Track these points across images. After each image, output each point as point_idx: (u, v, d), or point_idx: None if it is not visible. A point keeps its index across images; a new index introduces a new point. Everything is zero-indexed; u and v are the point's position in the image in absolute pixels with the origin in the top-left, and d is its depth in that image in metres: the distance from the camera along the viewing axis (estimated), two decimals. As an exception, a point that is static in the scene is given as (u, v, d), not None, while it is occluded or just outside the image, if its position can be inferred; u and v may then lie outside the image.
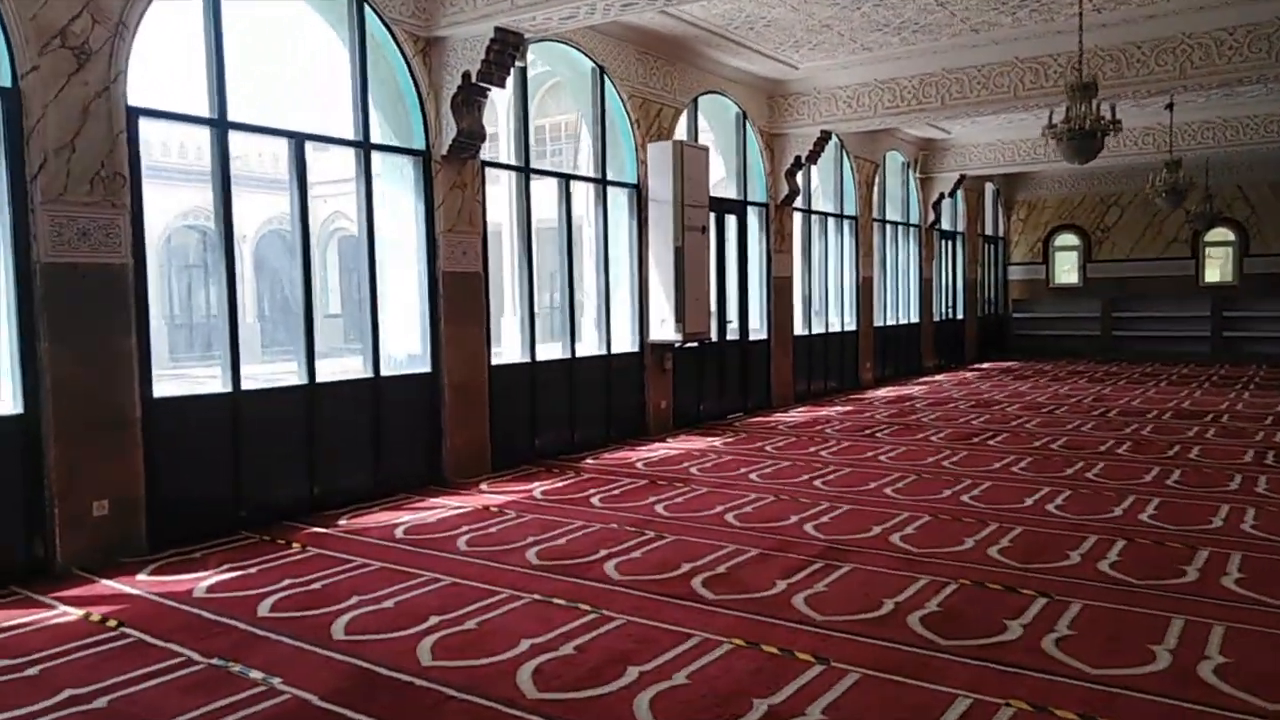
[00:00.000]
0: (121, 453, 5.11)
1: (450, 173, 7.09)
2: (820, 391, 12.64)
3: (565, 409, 8.37)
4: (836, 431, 9.47)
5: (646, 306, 9.19)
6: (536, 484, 7.04)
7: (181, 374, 22.04)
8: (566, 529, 5.64)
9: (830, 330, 13.03)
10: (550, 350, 8.56)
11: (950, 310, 17.31)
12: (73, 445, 4.90)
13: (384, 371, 6.74)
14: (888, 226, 14.80)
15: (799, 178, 11.62)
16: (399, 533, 5.64)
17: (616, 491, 6.71)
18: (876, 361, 14.23)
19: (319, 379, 6.25)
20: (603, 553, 5.09)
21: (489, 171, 7.49)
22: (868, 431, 9.43)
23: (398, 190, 7.05)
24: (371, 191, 6.65)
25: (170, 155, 24.35)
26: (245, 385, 5.83)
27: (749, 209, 11.04)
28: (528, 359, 7.98)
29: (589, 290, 9.19)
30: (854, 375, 13.61)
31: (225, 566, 4.96)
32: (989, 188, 18.89)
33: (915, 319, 15.77)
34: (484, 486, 6.97)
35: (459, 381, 7.18)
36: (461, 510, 6.20)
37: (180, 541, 5.38)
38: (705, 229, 9.35)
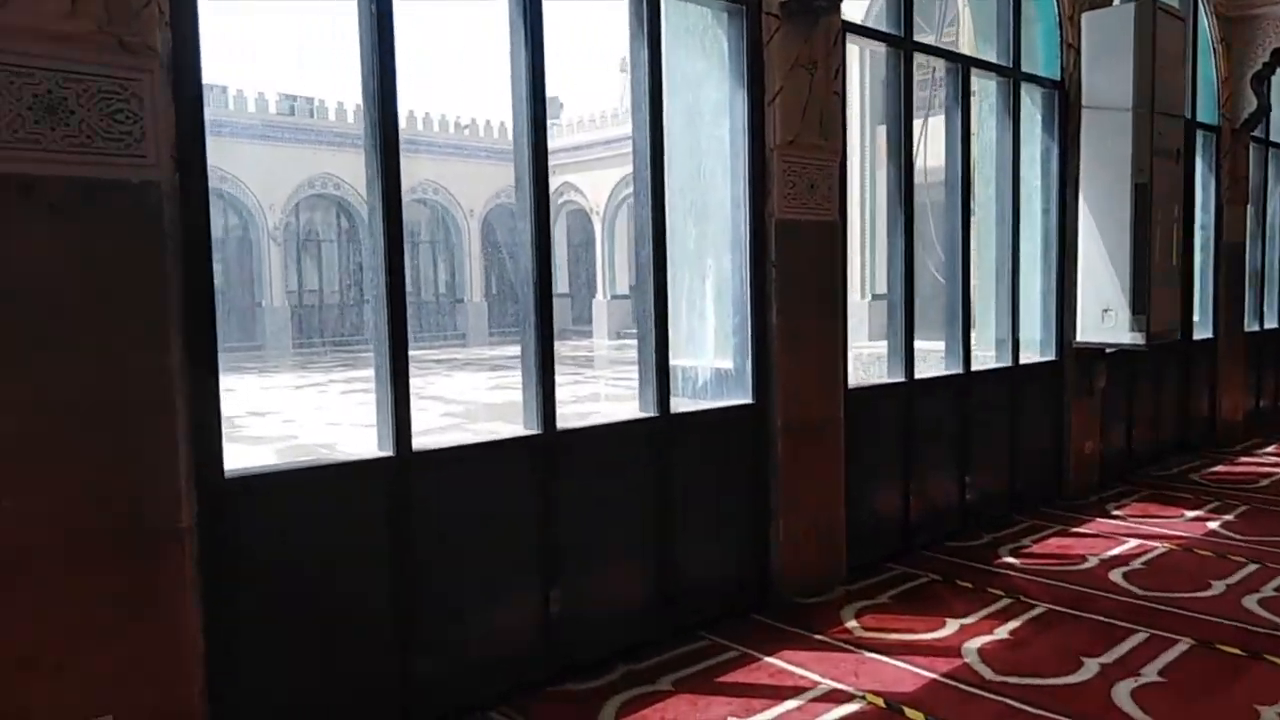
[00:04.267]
0: (147, 611, 2.26)
1: (792, 39, 3.83)
2: (1271, 416, 8.37)
3: (954, 461, 4.94)
4: None
5: (1069, 287, 5.56)
6: (951, 627, 3.68)
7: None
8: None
9: (1283, 324, 8.71)
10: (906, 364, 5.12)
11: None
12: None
13: (675, 405, 3.61)
14: (1347, 170, 10.07)
15: (1268, 87, 7.44)
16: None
17: (1150, 671, 3.21)
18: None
19: (560, 425, 3.19)
20: None
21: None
22: None
23: (697, 68, 3.88)
24: (659, 62, 3.52)
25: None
26: (419, 442, 2.84)
27: (1196, 135, 7.04)
28: (901, 377, 4.60)
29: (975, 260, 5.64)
30: (1307, 391, 9.16)
31: None
32: None
33: (1371, 307, 10.88)
34: (854, 626, 3.69)
35: (799, 418, 3.93)
36: (854, 708, 2.96)
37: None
38: (1179, 154, 5.55)
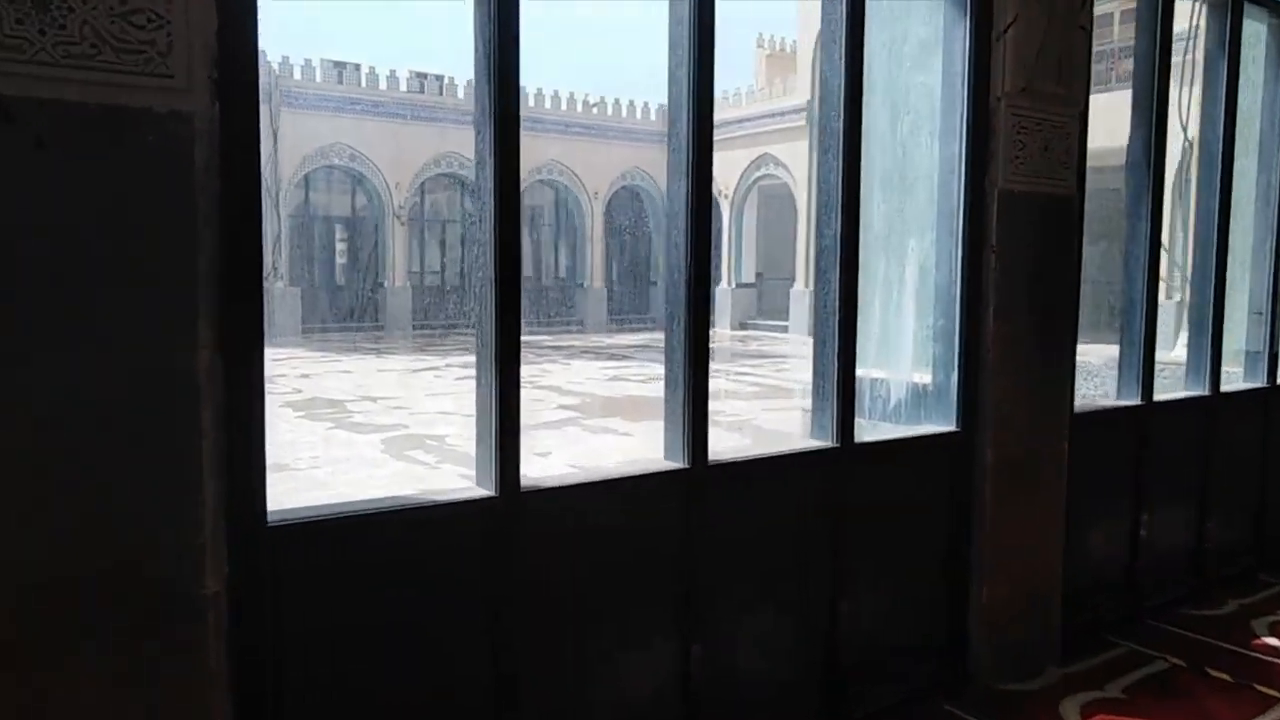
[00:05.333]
0: (153, 715, 1.63)
1: (1027, -43, 2.93)
2: None
3: (1192, 504, 3.93)
4: None
5: (1339, 288, 4.41)
6: (1221, 739, 2.74)
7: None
8: None
9: None
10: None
11: None
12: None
13: (859, 430, 2.78)
14: None
15: None
16: None
17: None
18: None
19: (712, 457, 2.42)
20: None
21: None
22: None
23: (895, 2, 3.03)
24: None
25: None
26: (531, 477, 2.13)
27: None
28: (1135, 399, 3.63)
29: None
30: None
31: None
32: None
33: None
34: (1083, 729, 2.80)
35: (1014, 451, 3.04)
36: None
37: None
38: None
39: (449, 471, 8.11)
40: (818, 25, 2.82)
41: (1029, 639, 3.17)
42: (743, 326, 24.43)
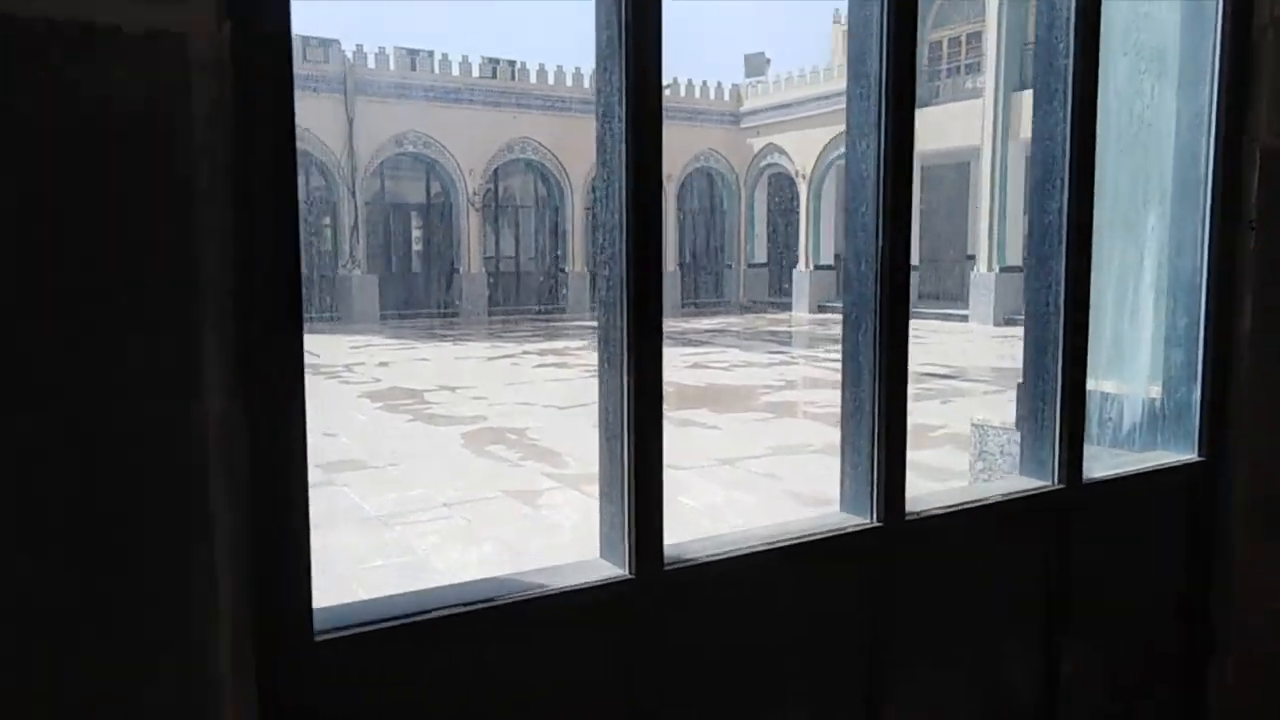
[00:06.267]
0: None
1: None
2: None
3: None
4: None
5: None
6: None
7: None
8: None
9: None
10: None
11: None
12: None
13: (1087, 464, 2.12)
14: None
15: None
16: None
17: None
18: None
19: (910, 511, 1.79)
20: None
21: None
22: None
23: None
24: None
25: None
26: (675, 546, 1.54)
27: None
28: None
29: None
30: None
31: None
32: None
33: None
34: None
35: (1274, 491, 2.35)
36: None
37: None
38: None
39: (531, 469, 7.67)
40: None
41: (1284, 727, 2.47)
42: (821, 309, 23.60)
